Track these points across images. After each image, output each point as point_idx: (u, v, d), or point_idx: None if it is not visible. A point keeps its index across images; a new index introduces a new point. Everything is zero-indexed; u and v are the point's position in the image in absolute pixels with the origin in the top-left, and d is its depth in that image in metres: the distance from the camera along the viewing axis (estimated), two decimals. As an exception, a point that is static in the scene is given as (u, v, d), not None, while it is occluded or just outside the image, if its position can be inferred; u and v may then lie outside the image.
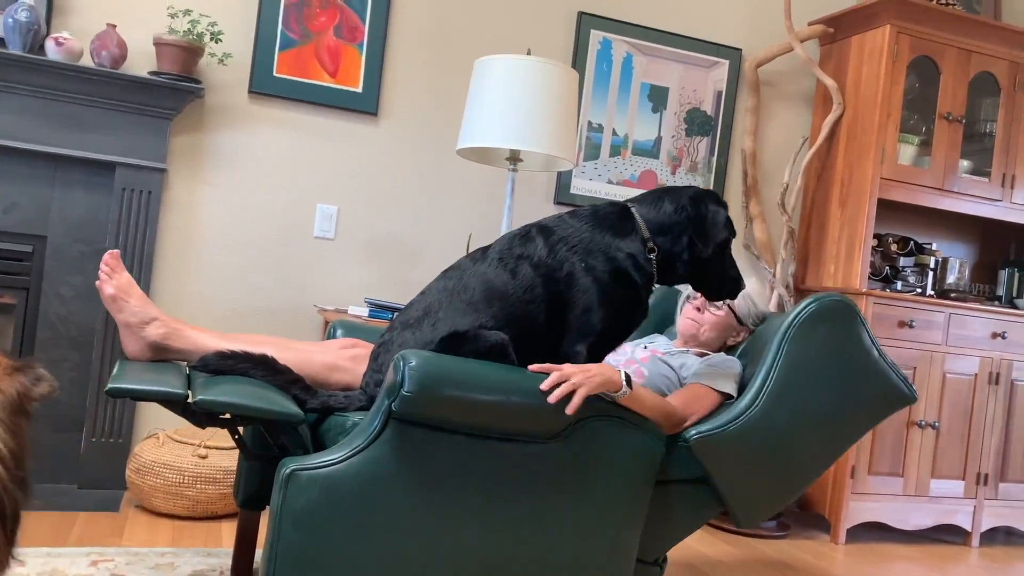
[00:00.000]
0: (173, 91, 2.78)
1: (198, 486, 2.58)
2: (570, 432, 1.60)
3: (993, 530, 3.63)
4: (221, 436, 2.74)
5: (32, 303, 2.77)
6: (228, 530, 2.56)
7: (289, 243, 3.09)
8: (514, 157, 2.82)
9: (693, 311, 2.14)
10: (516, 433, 1.56)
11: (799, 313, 1.76)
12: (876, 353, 1.80)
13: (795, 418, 1.75)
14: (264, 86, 3.03)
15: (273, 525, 1.47)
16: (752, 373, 1.81)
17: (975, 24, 3.45)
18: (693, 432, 1.70)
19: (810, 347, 1.75)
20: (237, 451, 2.67)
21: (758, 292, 2.13)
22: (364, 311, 2.74)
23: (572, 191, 3.42)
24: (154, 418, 2.91)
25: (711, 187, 3.64)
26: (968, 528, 3.46)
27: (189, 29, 2.81)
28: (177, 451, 2.62)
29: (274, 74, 3.03)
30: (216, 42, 2.88)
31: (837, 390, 1.77)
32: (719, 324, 2.10)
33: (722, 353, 2.07)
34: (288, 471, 1.47)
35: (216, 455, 2.64)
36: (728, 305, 2.09)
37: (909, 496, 3.37)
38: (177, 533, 2.49)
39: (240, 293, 3.04)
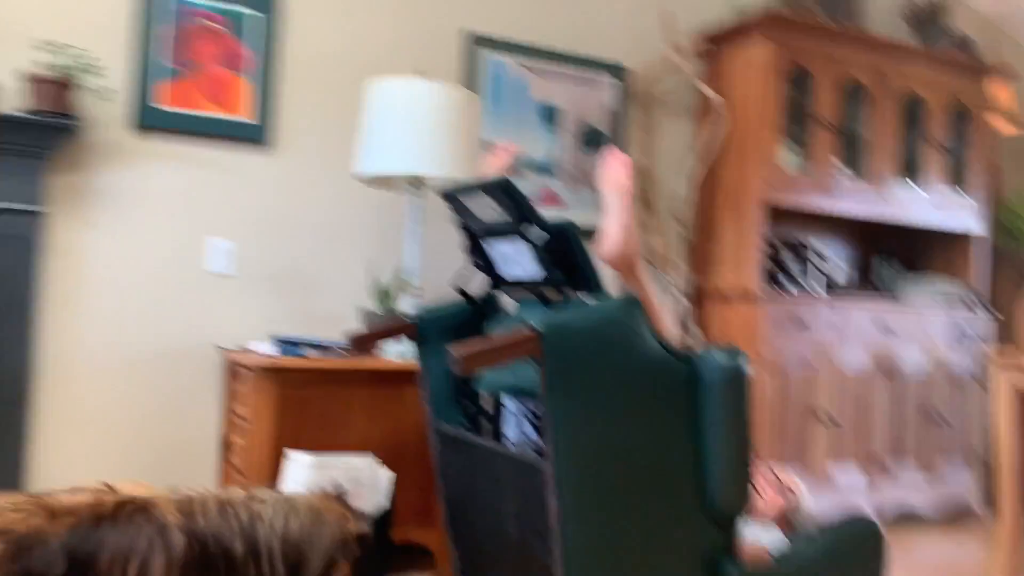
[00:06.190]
0: (44, 128, 2.60)
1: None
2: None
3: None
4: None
5: None
6: None
7: (183, 282, 2.94)
8: (416, 182, 2.78)
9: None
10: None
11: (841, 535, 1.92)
12: None
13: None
14: (147, 120, 2.87)
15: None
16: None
17: (842, 34, 3.65)
18: None
19: (843, 559, 1.91)
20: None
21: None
22: (269, 348, 2.62)
23: (472, 212, 3.39)
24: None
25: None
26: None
27: (66, 64, 2.64)
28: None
29: (157, 107, 2.89)
30: (91, 75, 2.72)
31: None
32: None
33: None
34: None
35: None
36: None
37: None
38: None
39: (134, 339, 2.86)
